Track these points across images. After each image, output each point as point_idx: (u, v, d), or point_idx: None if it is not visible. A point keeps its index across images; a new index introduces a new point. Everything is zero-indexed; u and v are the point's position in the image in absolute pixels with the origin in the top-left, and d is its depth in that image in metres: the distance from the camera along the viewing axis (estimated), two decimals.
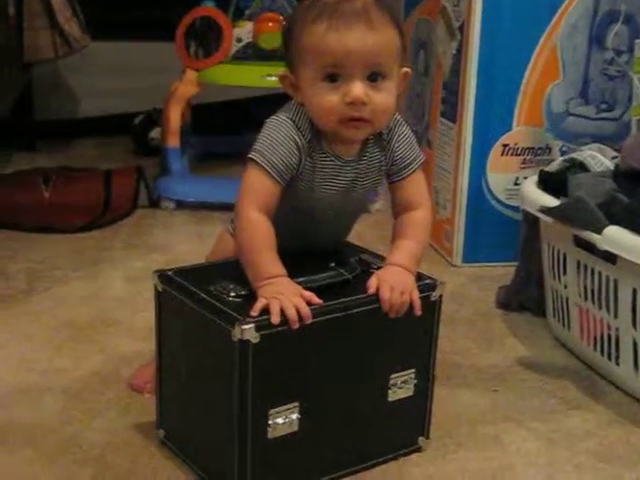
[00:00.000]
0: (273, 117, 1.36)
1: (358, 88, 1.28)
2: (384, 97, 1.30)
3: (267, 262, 1.29)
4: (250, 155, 1.33)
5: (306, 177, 1.36)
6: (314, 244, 1.43)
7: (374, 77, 1.29)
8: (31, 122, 3.64)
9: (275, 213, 1.34)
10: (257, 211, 1.31)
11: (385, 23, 1.29)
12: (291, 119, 1.34)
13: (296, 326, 1.23)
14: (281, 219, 1.35)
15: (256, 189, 1.32)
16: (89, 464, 1.39)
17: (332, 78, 1.29)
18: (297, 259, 1.33)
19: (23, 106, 3.51)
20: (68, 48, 3.15)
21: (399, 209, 1.44)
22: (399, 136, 1.41)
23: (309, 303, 1.25)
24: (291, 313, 1.23)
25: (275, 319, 1.22)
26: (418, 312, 1.35)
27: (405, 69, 1.37)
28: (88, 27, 3.21)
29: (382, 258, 1.43)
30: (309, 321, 1.24)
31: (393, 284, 1.32)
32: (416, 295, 1.34)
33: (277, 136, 1.33)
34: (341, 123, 1.30)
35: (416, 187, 1.44)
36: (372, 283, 1.33)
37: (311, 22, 1.29)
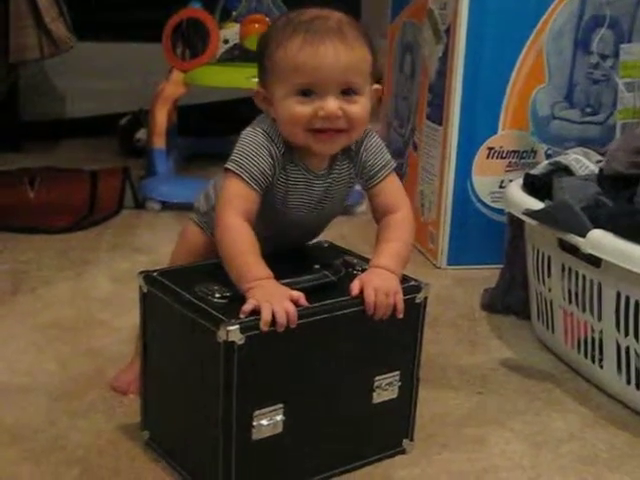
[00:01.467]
0: (248, 129, 1.38)
1: (332, 103, 1.29)
2: (358, 108, 1.32)
3: (253, 264, 1.29)
4: (227, 165, 1.35)
5: (279, 190, 1.38)
6: (288, 246, 1.45)
7: (347, 92, 1.31)
8: (17, 123, 3.63)
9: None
10: (237, 217, 1.32)
11: (358, 41, 1.32)
12: (265, 131, 1.36)
13: (282, 329, 1.24)
14: (257, 226, 1.36)
15: (235, 197, 1.34)
16: (74, 465, 1.39)
17: (305, 93, 1.30)
18: (281, 261, 1.33)
19: (9, 107, 3.50)
20: (54, 48, 3.14)
21: (379, 214, 1.45)
22: (367, 146, 1.43)
23: (297, 304, 1.25)
24: (281, 317, 1.23)
25: (265, 327, 1.22)
26: (400, 315, 1.35)
27: (376, 86, 1.39)
28: (75, 27, 3.21)
29: (366, 260, 1.43)
30: (294, 325, 1.24)
31: (377, 286, 1.32)
32: (400, 297, 1.35)
33: (252, 146, 1.35)
34: (311, 135, 1.32)
35: (391, 191, 1.45)
36: (355, 285, 1.33)
37: (285, 38, 1.31)
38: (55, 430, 1.49)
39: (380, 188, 1.44)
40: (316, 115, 1.30)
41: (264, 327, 1.22)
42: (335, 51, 1.28)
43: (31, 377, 1.67)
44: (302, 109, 1.30)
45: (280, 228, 1.42)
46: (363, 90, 1.33)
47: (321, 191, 1.41)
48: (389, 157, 1.45)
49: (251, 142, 1.35)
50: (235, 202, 1.33)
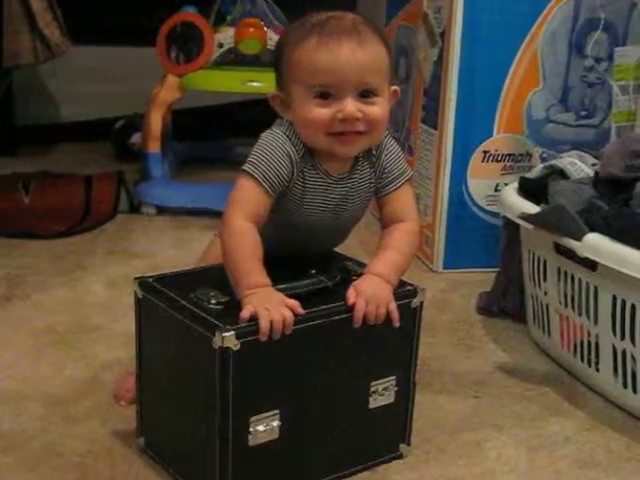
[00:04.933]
0: (268, 131, 1.37)
1: (350, 105, 1.28)
2: (378, 109, 1.31)
3: (252, 270, 1.28)
4: (244, 167, 1.33)
5: (296, 194, 1.36)
6: (304, 255, 1.43)
7: (366, 94, 1.30)
8: (11, 127, 3.62)
9: (266, 225, 1.34)
10: (245, 220, 1.31)
11: (374, 40, 1.31)
12: (285, 134, 1.35)
13: (278, 337, 1.23)
14: (272, 232, 1.35)
15: (246, 199, 1.32)
16: (69, 472, 1.39)
17: (324, 96, 1.29)
18: (278, 265, 1.33)
19: (3, 111, 3.50)
20: (49, 53, 3.13)
21: (386, 223, 1.44)
22: (388, 150, 1.42)
23: (293, 312, 1.25)
24: (277, 324, 1.22)
25: (263, 338, 1.22)
26: (396, 323, 1.35)
27: (394, 87, 1.38)
28: (69, 31, 3.20)
29: (363, 265, 1.43)
30: (289, 331, 1.24)
31: (369, 297, 1.31)
32: (393, 307, 1.34)
33: (271, 149, 1.33)
34: (332, 138, 1.31)
35: (403, 201, 1.44)
36: (350, 294, 1.32)
37: (300, 40, 1.30)
38: (50, 436, 1.48)
39: (392, 196, 1.43)
40: (335, 118, 1.29)
41: (262, 337, 1.22)
42: (351, 51, 1.28)
43: (26, 383, 1.67)
44: (321, 113, 1.29)
45: (296, 233, 1.41)
46: (381, 91, 1.32)
47: (340, 196, 1.39)
48: (406, 165, 1.44)
49: (270, 145, 1.34)
50: (245, 204, 1.32)
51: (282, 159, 1.33)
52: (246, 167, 1.33)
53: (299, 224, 1.40)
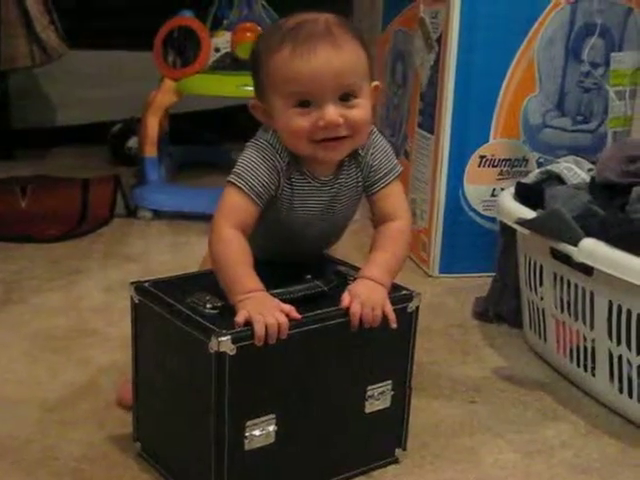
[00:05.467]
0: (252, 140, 1.37)
1: (331, 111, 1.27)
2: (359, 112, 1.30)
3: (244, 276, 1.29)
4: (229, 178, 1.34)
5: (285, 199, 1.37)
6: (297, 258, 1.43)
7: (346, 97, 1.29)
8: (8, 131, 3.62)
9: (257, 230, 1.35)
10: (232, 228, 1.31)
11: (349, 41, 1.29)
12: (269, 142, 1.34)
13: (273, 341, 1.23)
14: (264, 236, 1.36)
15: (233, 208, 1.33)
16: (65, 476, 1.38)
17: (303, 104, 1.28)
18: (273, 271, 1.33)
19: (0, 114, 3.50)
20: (45, 56, 3.14)
21: (378, 221, 1.44)
22: (375, 148, 1.41)
23: (288, 316, 1.25)
24: (272, 329, 1.22)
25: (259, 343, 1.22)
26: (394, 325, 1.34)
27: (375, 83, 1.37)
28: (66, 35, 3.21)
29: (358, 269, 1.43)
30: (284, 336, 1.24)
31: (364, 300, 1.31)
32: (389, 308, 1.34)
33: (256, 159, 1.33)
34: (316, 145, 1.30)
35: (394, 198, 1.43)
36: (345, 297, 1.32)
37: (275, 48, 1.28)
38: (47, 441, 1.48)
39: (382, 194, 1.42)
40: (317, 126, 1.28)
41: (258, 342, 1.22)
42: (327, 57, 1.26)
43: (22, 387, 1.67)
44: (302, 122, 1.28)
45: (289, 235, 1.41)
46: (362, 91, 1.31)
47: (328, 197, 1.40)
48: (395, 162, 1.43)
49: (254, 155, 1.34)
50: (231, 213, 1.32)
51: (267, 170, 1.33)
52: (231, 178, 1.34)
53: (291, 227, 1.40)
